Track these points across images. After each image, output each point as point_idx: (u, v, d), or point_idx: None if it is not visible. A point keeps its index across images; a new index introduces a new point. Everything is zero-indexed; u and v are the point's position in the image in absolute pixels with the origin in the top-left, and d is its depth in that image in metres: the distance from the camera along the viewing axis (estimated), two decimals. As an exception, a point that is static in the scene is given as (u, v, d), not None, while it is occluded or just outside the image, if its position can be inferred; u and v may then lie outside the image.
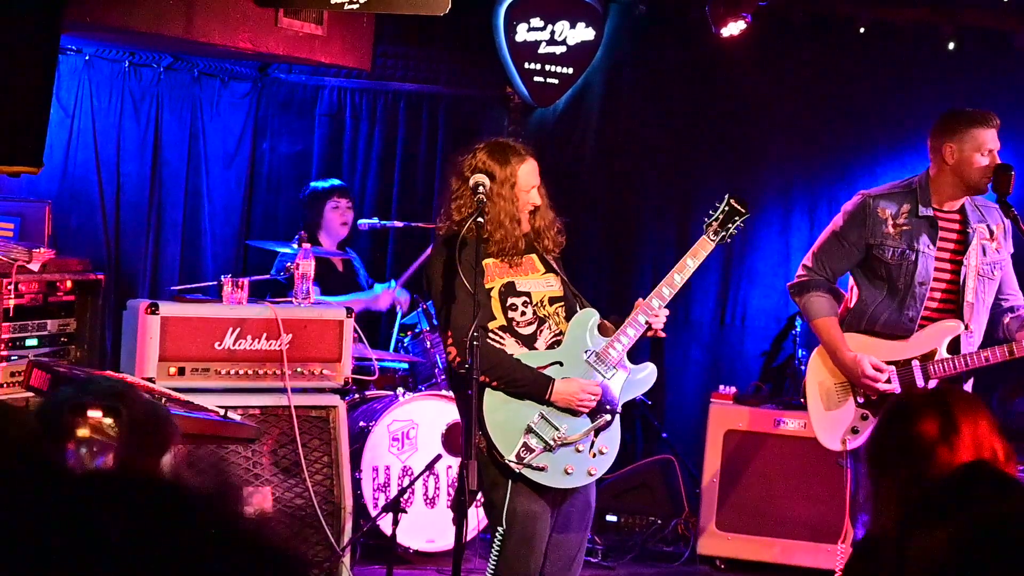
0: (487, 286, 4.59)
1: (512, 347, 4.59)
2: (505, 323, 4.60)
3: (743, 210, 4.82)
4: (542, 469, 4.53)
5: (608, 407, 4.67)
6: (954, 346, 5.11)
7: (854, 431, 5.15)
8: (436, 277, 4.64)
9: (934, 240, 5.09)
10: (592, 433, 4.63)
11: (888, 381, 5.08)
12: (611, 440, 4.69)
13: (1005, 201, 5.07)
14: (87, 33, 6.24)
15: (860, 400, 5.16)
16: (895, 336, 5.14)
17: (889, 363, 5.11)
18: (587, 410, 4.61)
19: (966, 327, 5.09)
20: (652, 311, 4.70)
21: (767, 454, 6.66)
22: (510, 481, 4.50)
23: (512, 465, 4.47)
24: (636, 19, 7.93)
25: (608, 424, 4.67)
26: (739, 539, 6.65)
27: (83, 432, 2.70)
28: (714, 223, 4.82)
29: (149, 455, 2.83)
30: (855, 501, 5.18)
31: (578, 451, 4.60)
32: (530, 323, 4.64)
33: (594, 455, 4.63)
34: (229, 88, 7.48)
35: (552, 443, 4.55)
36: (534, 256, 4.73)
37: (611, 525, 7.15)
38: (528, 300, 4.65)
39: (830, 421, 5.24)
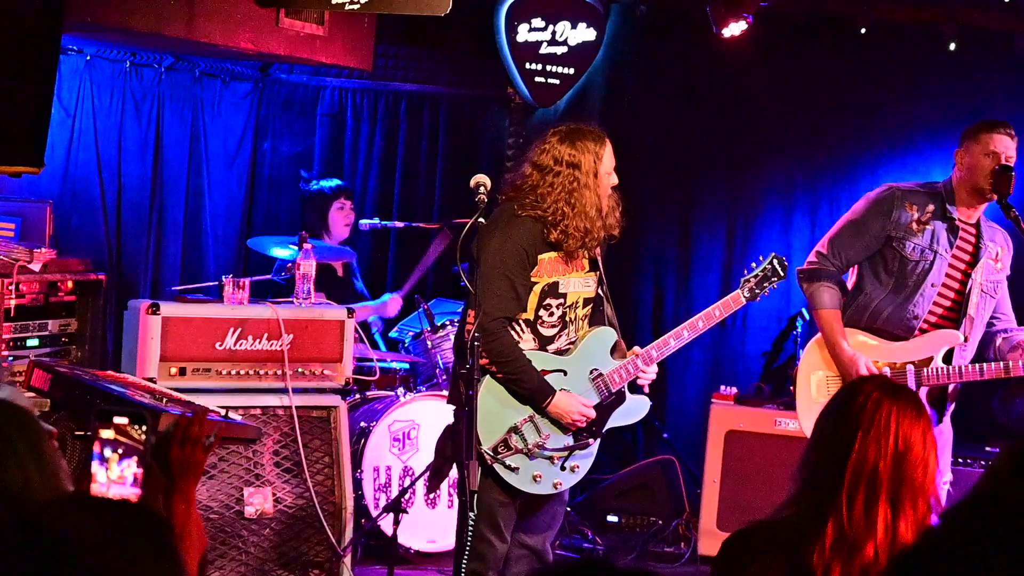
0: (533, 280, 4.60)
1: (528, 342, 4.62)
2: (532, 319, 4.62)
3: (782, 273, 4.96)
4: (513, 469, 4.59)
5: (594, 429, 4.71)
6: (948, 357, 5.12)
7: None
8: (495, 250, 4.56)
9: (952, 244, 5.13)
10: (570, 450, 4.67)
11: None
12: (585, 460, 4.75)
13: (1006, 202, 5.09)
14: (88, 33, 6.24)
15: None
16: (895, 335, 5.16)
17: (884, 365, 5.13)
18: (576, 428, 4.66)
19: (965, 339, 5.11)
20: (663, 350, 4.79)
21: (768, 454, 6.65)
22: (481, 469, 4.54)
23: (486, 456, 4.50)
24: (637, 19, 7.93)
25: (588, 446, 4.72)
26: (740, 539, 6.64)
27: (107, 434, 2.73)
28: (752, 279, 4.96)
29: None
30: None
31: (552, 462, 4.65)
32: (553, 326, 4.67)
33: (564, 469, 4.68)
34: (230, 88, 7.48)
35: (532, 448, 4.59)
36: (585, 252, 4.73)
37: (612, 525, 7.15)
38: (563, 302, 4.66)
39: (816, 410, 5.25)
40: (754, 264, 4.99)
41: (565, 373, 4.67)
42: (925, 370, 5.09)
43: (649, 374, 4.80)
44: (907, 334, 5.15)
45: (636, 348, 4.83)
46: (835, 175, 7.70)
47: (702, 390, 7.55)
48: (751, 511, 6.64)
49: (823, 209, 7.68)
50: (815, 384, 5.29)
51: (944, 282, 5.15)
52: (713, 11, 7.14)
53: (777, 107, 7.80)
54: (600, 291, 4.81)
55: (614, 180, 4.71)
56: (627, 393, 4.81)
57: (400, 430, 6.30)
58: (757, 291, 4.95)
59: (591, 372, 4.72)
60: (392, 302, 7.12)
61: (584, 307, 4.75)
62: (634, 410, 4.84)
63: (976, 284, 5.13)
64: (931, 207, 5.16)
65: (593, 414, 4.67)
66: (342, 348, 5.65)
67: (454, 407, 4.66)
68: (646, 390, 4.87)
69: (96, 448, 2.70)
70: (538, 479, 4.63)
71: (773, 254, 5.00)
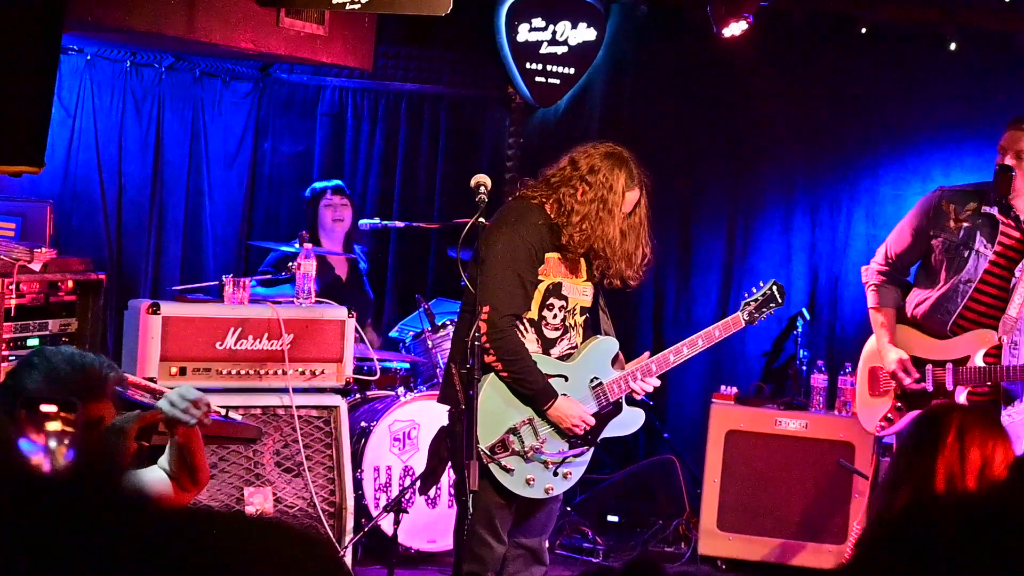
0: (539, 277, 4.61)
1: (531, 343, 4.63)
2: (536, 319, 4.63)
3: (780, 300, 5.08)
4: (508, 470, 4.60)
5: (589, 437, 4.72)
6: (995, 358, 5.16)
7: (888, 420, 5.34)
8: (505, 244, 4.57)
9: (993, 240, 5.15)
10: (565, 456, 4.69)
11: (919, 380, 5.24)
12: (579, 468, 4.77)
13: (1006, 202, 5.10)
14: (89, 33, 6.24)
15: (898, 392, 5.30)
16: (931, 328, 5.27)
17: (928, 361, 5.22)
18: (574, 434, 4.67)
19: (999, 339, 5.13)
20: (664, 367, 4.82)
21: (768, 454, 6.65)
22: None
23: (483, 456, 4.51)
24: (638, 19, 7.93)
25: (582, 454, 4.73)
26: (740, 539, 6.65)
27: (55, 426, 2.72)
28: (752, 303, 5.05)
29: (87, 400, 2.88)
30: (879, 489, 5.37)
31: (546, 467, 4.66)
32: (556, 329, 4.69)
33: (557, 475, 4.69)
34: (231, 88, 7.48)
35: (528, 451, 4.60)
36: (583, 261, 4.73)
37: (612, 525, 7.16)
38: (565, 305, 4.68)
39: (871, 406, 5.48)
40: (754, 289, 5.13)
41: (566, 379, 4.68)
42: (961, 369, 5.16)
43: (648, 386, 4.81)
44: (941, 328, 5.26)
45: (646, 355, 4.86)
46: (835, 175, 7.70)
47: (702, 390, 7.55)
48: (751, 511, 6.67)
49: (823, 209, 7.68)
50: (871, 378, 5.49)
51: (986, 280, 5.18)
52: (713, 11, 7.13)
53: (777, 107, 7.79)
54: (597, 303, 4.84)
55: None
56: (624, 404, 4.83)
57: (400, 430, 6.30)
58: (756, 315, 5.06)
59: (591, 380, 4.73)
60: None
61: (581, 315, 4.76)
62: (630, 422, 4.86)
63: (1021, 281, 5.12)
64: (972, 205, 5.23)
65: (592, 422, 4.69)
66: (342, 348, 5.65)
67: (448, 407, 4.67)
68: (638, 396, 4.88)
69: (39, 439, 2.66)
70: (531, 483, 4.64)
71: (773, 280, 5.15)
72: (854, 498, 6.49)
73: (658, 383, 4.84)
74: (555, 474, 4.69)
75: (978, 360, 5.14)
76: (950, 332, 5.23)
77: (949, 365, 5.19)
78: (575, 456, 4.72)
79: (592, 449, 4.79)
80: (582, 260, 4.71)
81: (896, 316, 5.42)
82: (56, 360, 2.93)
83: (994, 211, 5.17)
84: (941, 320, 5.24)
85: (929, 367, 5.22)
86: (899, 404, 5.31)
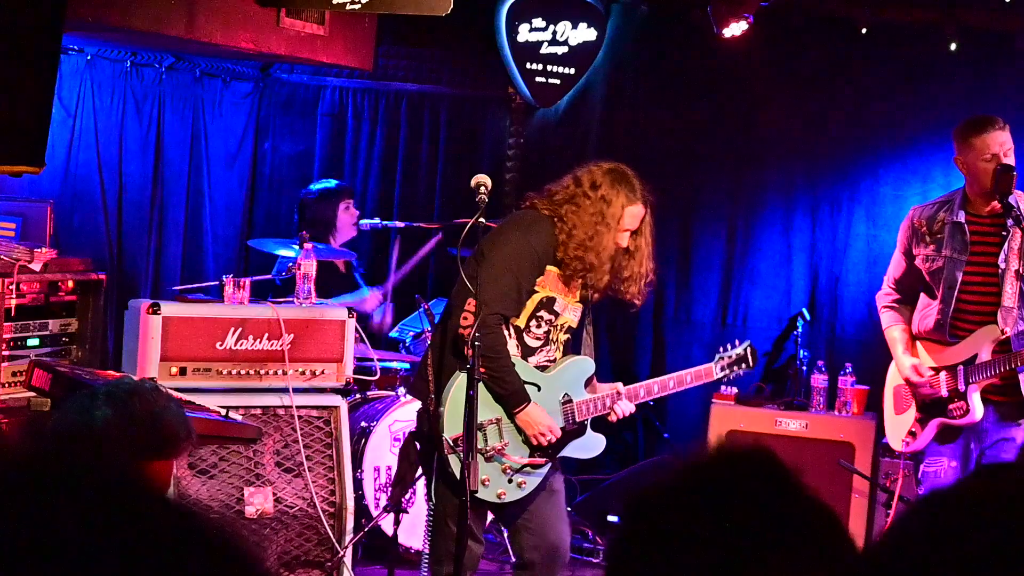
0: (535, 288, 4.63)
1: (511, 347, 4.63)
2: (521, 327, 4.64)
3: (751, 363, 5.18)
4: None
5: (550, 451, 4.71)
6: (1002, 353, 5.21)
7: (912, 434, 5.41)
8: (511, 244, 4.60)
9: (964, 243, 5.22)
10: (522, 464, 4.67)
11: (931, 386, 5.31)
12: (533, 479, 4.73)
13: (1006, 202, 5.13)
14: (89, 33, 6.24)
15: (919, 404, 5.36)
16: (935, 339, 5.38)
17: (941, 368, 5.27)
18: (537, 444, 4.65)
19: (1002, 332, 5.17)
20: (633, 400, 4.83)
21: (768, 454, 6.65)
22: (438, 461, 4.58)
23: (445, 444, 4.50)
24: (638, 19, 7.93)
25: (539, 466, 4.71)
26: (740, 539, 6.64)
27: None
28: (726, 358, 5.12)
29: (144, 456, 2.83)
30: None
31: (503, 472, 4.64)
32: (538, 339, 4.70)
33: (511, 482, 4.67)
34: (231, 88, 7.49)
35: (489, 450, 4.59)
36: (580, 281, 4.75)
37: (612, 525, 7.15)
38: (552, 320, 4.69)
39: (896, 423, 5.54)
40: (730, 346, 5.20)
41: (539, 388, 4.69)
42: (971, 368, 5.24)
43: (625, 410, 4.80)
44: (942, 336, 5.35)
45: (618, 385, 4.84)
46: (835, 175, 7.69)
47: (702, 390, 7.52)
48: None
49: (823, 209, 7.67)
50: (895, 397, 5.56)
51: (970, 280, 5.23)
52: (713, 11, 7.13)
53: (777, 107, 7.79)
54: (582, 326, 4.85)
55: (623, 242, 4.72)
56: (588, 428, 4.83)
57: (400, 430, 6.29)
58: (727, 371, 5.14)
59: (563, 396, 4.74)
60: (371, 297, 7.10)
61: (565, 333, 4.78)
62: (591, 446, 4.87)
63: (1009, 272, 5.18)
64: (942, 215, 5.36)
65: (559, 434, 4.68)
66: (343, 348, 5.65)
67: (420, 401, 4.66)
68: (613, 419, 4.86)
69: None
70: (485, 483, 4.59)
71: (748, 343, 5.23)
72: (854, 498, 6.49)
73: (632, 409, 4.83)
74: (510, 481, 4.66)
75: (985, 355, 5.19)
76: (951, 338, 5.29)
77: (960, 367, 5.24)
78: (533, 468, 4.69)
79: (549, 465, 4.75)
80: (579, 280, 4.72)
81: (910, 332, 5.52)
82: (135, 406, 2.87)
83: (959, 217, 5.25)
84: (939, 330, 5.33)
85: (942, 373, 5.27)
86: (920, 415, 5.39)
